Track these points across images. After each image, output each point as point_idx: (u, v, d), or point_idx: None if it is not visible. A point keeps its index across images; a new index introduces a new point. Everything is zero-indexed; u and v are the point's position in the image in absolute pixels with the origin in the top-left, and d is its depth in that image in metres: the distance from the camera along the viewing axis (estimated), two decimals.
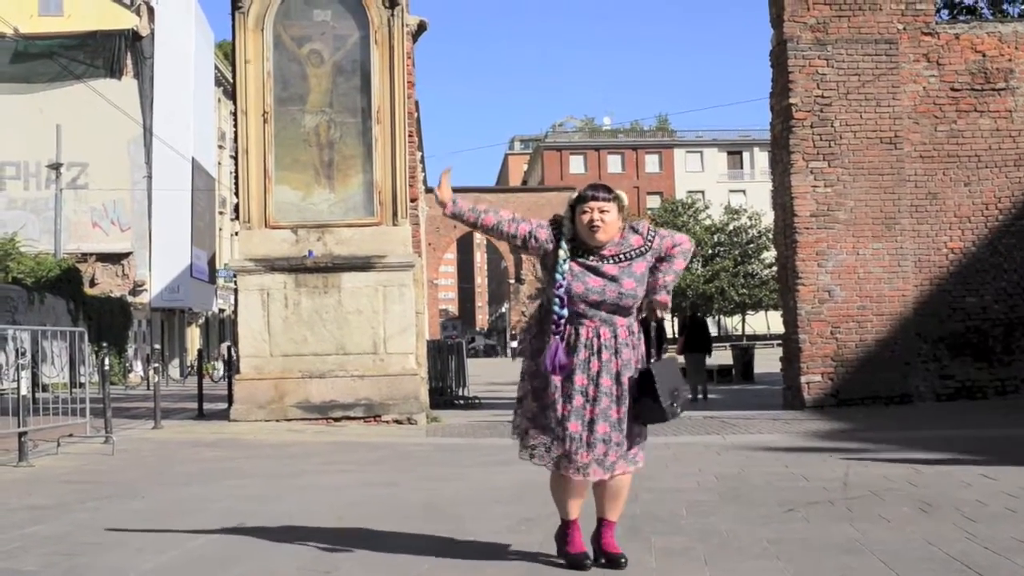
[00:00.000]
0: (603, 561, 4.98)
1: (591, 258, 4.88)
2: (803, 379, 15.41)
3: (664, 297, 4.91)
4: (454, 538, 5.84)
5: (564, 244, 4.89)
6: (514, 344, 74.76)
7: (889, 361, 15.42)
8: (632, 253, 4.91)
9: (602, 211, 4.87)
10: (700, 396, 19.16)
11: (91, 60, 41.15)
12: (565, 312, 4.82)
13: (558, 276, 4.83)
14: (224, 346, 40.67)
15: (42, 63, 40.68)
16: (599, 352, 4.81)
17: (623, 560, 4.96)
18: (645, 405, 4.80)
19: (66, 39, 40.93)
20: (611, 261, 4.88)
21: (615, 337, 4.85)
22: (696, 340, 20.62)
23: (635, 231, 4.98)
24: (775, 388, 17.98)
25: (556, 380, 4.81)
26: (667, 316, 5.01)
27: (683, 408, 4.91)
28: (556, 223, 4.98)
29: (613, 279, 4.85)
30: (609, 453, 4.78)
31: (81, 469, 9.80)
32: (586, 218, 4.87)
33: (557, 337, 4.80)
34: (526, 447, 4.97)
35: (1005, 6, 26.69)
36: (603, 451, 4.78)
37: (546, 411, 4.85)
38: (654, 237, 4.98)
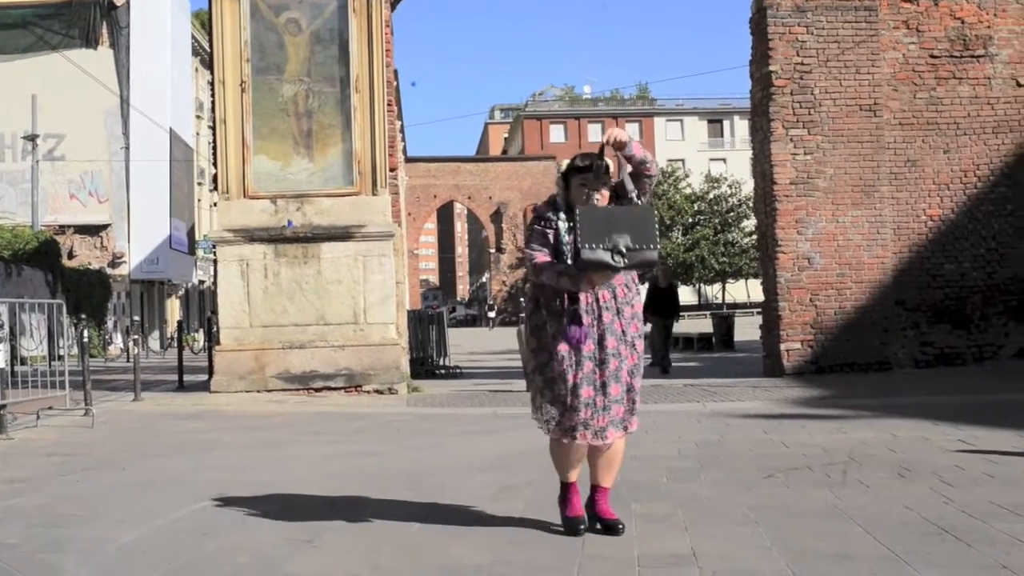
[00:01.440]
0: (599, 527, 5.02)
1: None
2: (783, 347, 15.47)
3: (633, 147, 4.89)
4: (436, 505, 5.86)
5: (562, 217, 4.89)
6: (492, 314, 74.86)
7: (868, 328, 15.50)
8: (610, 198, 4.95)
9: (601, 197, 4.94)
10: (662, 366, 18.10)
11: (66, 30, 40.71)
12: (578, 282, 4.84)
13: (565, 248, 4.85)
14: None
15: (17, 33, 40.23)
16: (600, 316, 4.84)
17: (621, 526, 5.00)
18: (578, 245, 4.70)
19: (41, 8, 40.48)
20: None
21: (615, 298, 4.88)
22: (663, 305, 19.37)
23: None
24: (755, 356, 18.05)
25: (562, 350, 4.81)
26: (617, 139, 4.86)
27: (632, 261, 4.67)
28: (543, 216, 4.98)
29: None
30: (619, 412, 4.85)
31: (61, 442, 9.77)
32: (584, 190, 4.89)
33: (574, 307, 4.83)
34: (541, 419, 4.96)
35: None
36: (618, 412, 4.84)
37: (555, 383, 4.86)
38: (622, 180, 4.98)
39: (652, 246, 4.66)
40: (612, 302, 4.87)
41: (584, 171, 4.91)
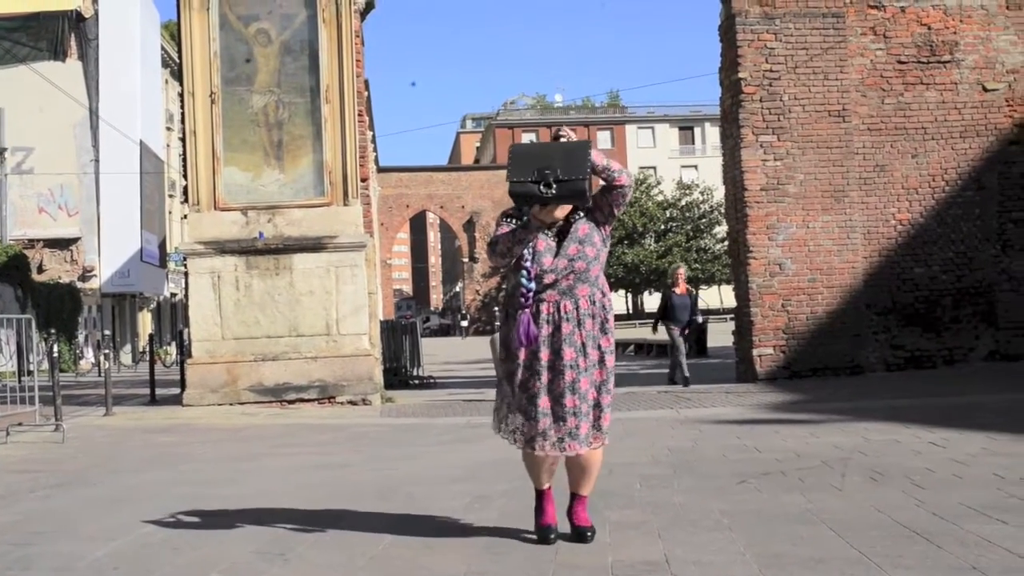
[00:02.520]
0: (571, 534, 5.02)
1: (547, 235, 4.87)
2: (755, 352, 15.54)
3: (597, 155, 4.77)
4: (410, 516, 5.84)
5: (526, 222, 4.84)
6: (465, 323, 74.81)
7: (840, 333, 15.59)
8: (571, 218, 4.89)
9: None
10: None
11: (34, 42, 40.41)
12: (533, 285, 4.81)
13: (525, 251, 4.82)
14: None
15: None
16: (560, 325, 4.80)
17: (588, 534, 4.98)
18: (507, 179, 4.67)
19: (7, 20, 40.18)
20: (555, 235, 4.88)
21: (576, 308, 4.83)
22: (678, 313, 16.85)
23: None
24: (728, 362, 18.11)
25: (522, 358, 4.79)
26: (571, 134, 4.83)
27: (561, 192, 4.60)
28: (512, 214, 4.94)
29: (559, 253, 4.84)
30: (581, 425, 4.76)
31: (31, 458, 9.68)
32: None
33: (526, 310, 4.79)
34: (506, 430, 4.94)
35: None
36: (574, 424, 4.75)
37: (516, 392, 4.84)
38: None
39: (582, 176, 4.60)
40: (574, 312, 4.82)
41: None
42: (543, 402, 4.76)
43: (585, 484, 5.06)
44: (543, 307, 4.82)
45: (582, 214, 4.90)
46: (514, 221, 4.88)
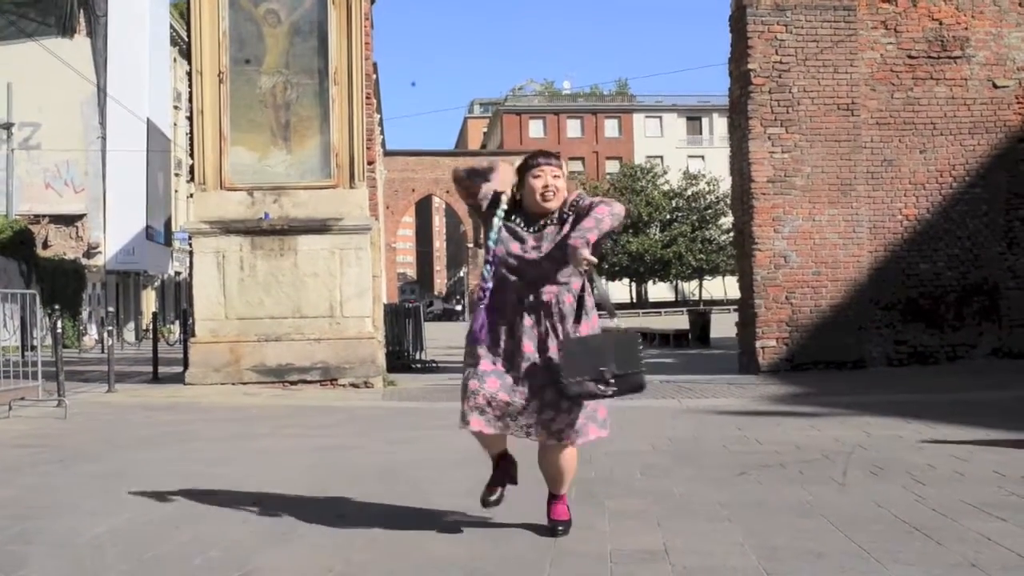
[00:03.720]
0: (545, 527, 4.97)
1: (520, 224, 4.79)
2: (758, 344, 15.53)
3: (576, 241, 4.52)
4: (411, 499, 5.85)
5: (500, 212, 4.79)
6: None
7: (843, 326, 15.58)
8: (553, 218, 4.79)
9: (555, 176, 4.79)
10: None
11: (43, 18, 40.36)
12: (490, 285, 4.75)
13: (490, 243, 4.77)
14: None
15: None
16: (521, 317, 4.72)
17: (560, 528, 4.90)
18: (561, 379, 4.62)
19: None
20: (534, 228, 4.78)
21: (540, 303, 4.74)
22: None
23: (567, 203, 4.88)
24: (731, 353, 18.11)
25: (482, 342, 4.73)
26: (586, 266, 4.71)
27: (620, 388, 4.62)
28: (497, 194, 4.88)
29: (534, 246, 4.74)
30: (524, 415, 4.67)
31: (33, 433, 9.71)
32: (539, 183, 4.75)
33: (482, 304, 4.75)
34: (474, 413, 4.79)
35: None
36: (528, 420, 4.68)
37: (473, 367, 4.77)
38: (579, 201, 4.79)
39: (637, 371, 4.64)
40: (536, 306, 4.73)
41: (536, 165, 4.81)
42: (490, 382, 4.68)
43: (560, 485, 4.95)
44: (508, 298, 4.75)
45: (562, 215, 4.79)
46: (493, 200, 4.86)
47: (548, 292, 4.74)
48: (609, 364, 4.59)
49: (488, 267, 4.77)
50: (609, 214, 4.65)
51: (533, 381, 4.68)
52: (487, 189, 4.89)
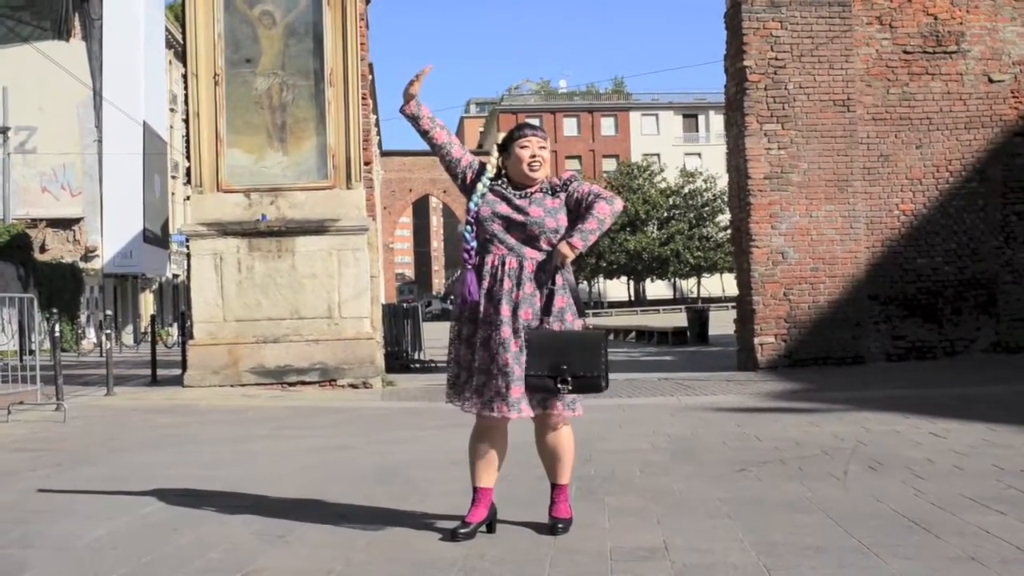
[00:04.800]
0: (546, 525, 4.92)
1: (507, 188, 4.82)
2: (756, 340, 15.54)
3: (576, 240, 4.64)
4: (410, 499, 5.84)
5: (485, 179, 4.83)
6: None
7: (841, 322, 15.59)
8: (545, 188, 4.83)
9: (541, 147, 4.83)
10: None
11: (38, 21, 40.35)
12: (474, 243, 4.77)
13: (471, 205, 4.79)
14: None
15: None
16: (501, 281, 4.70)
17: (560, 525, 4.88)
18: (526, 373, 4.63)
19: None
20: (523, 195, 4.80)
21: (521, 268, 4.71)
22: None
23: (555, 177, 4.93)
24: (729, 350, 18.11)
25: (482, 314, 4.69)
26: (567, 263, 4.75)
27: (576, 387, 4.62)
28: (480, 161, 4.94)
29: (519, 209, 4.75)
30: (511, 388, 4.61)
31: (32, 437, 9.70)
32: (526, 153, 4.78)
33: (470, 266, 4.75)
34: (463, 397, 4.83)
35: None
36: (504, 385, 4.61)
37: (458, 348, 4.78)
38: (571, 181, 4.86)
39: (597, 374, 4.61)
40: (516, 272, 4.70)
41: (523, 135, 4.83)
42: (480, 357, 4.67)
43: (560, 471, 4.93)
44: (488, 258, 4.75)
45: (552, 188, 4.84)
46: (474, 166, 4.89)
47: (529, 257, 4.75)
48: (570, 363, 4.59)
49: (469, 227, 4.78)
50: (611, 214, 4.73)
51: (509, 347, 4.64)
52: (465, 159, 4.93)
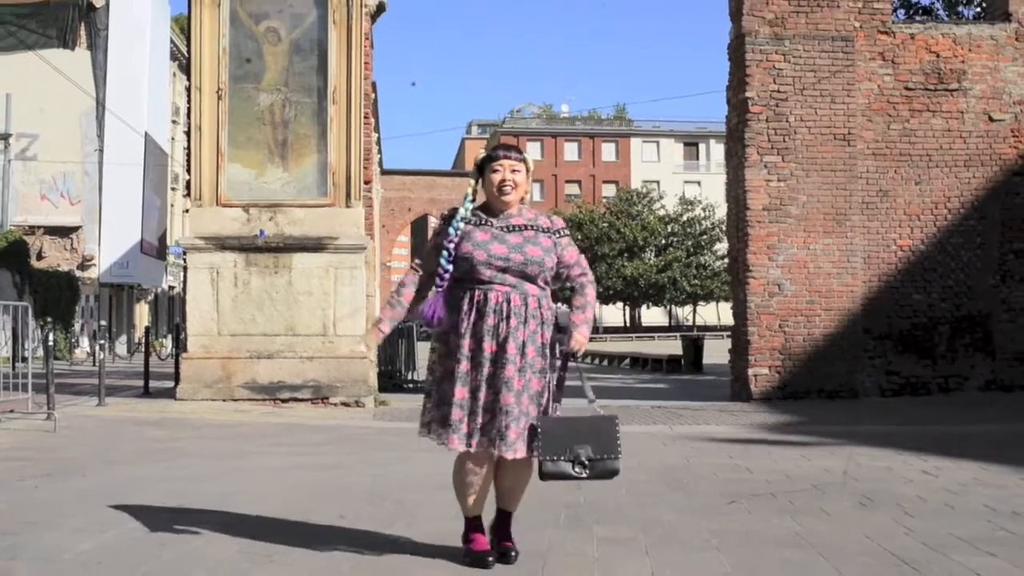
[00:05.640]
0: (495, 555, 4.82)
1: (495, 226, 4.75)
2: (751, 371, 15.53)
3: (584, 337, 4.74)
4: (399, 522, 5.81)
5: (461, 209, 4.76)
6: None
7: (836, 356, 15.58)
8: (538, 227, 4.79)
9: (514, 170, 4.77)
10: None
11: (43, 29, 40.34)
12: (450, 267, 4.68)
13: (451, 230, 4.71)
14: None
15: None
16: (508, 318, 4.62)
17: (513, 555, 4.82)
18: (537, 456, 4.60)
19: (18, 7, 40.13)
20: (516, 231, 4.75)
21: (525, 305, 4.66)
22: None
23: (548, 217, 4.90)
24: (723, 379, 18.10)
25: (465, 348, 4.62)
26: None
27: (594, 472, 4.59)
28: (451, 212, 4.85)
29: (517, 247, 4.69)
30: (511, 428, 4.55)
31: (21, 446, 9.67)
32: (497, 177, 4.74)
33: (440, 291, 4.67)
34: (424, 421, 4.79)
35: (960, 8, 27.04)
36: (504, 424, 4.55)
37: (452, 389, 4.64)
38: (564, 233, 4.86)
39: (614, 456, 4.60)
40: (522, 309, 4.66)
41: (495, 159, 4.78)
42: (483, 395, 4.59)
43: (516, 500, 4.90)
44: (491, 295, 4.65)
45: (547, 230, 4.82)
46: (442, 236, 4.78)
47: (532, 294, 4.71)
48: (586, 447, 4.56)
49: (446, 253, 4.69)
50: (594, 291, 4.93)
51: (512, 386, 4.58)
52: (444, 245, 4.77)
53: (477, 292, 4.67)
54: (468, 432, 4.60)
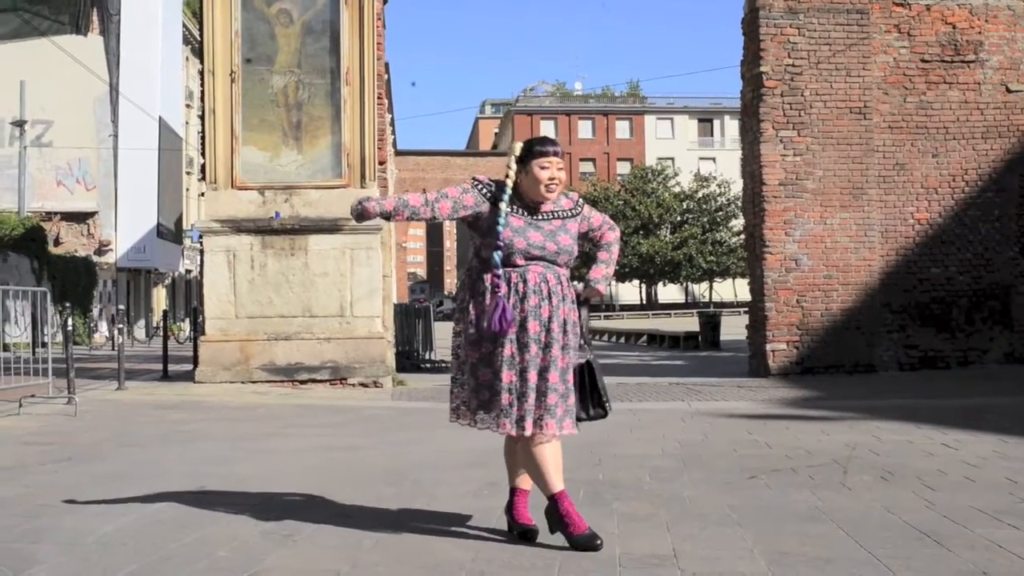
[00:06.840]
0: (516, 533, 4.87)
1: (527, 215, 4.77)
2: (768, 347, 15.49)
3: (603, 288, 5.04)
4: (418, 501, 5.83)
5: (505, 198, 4.74)
6: None
7: (854, 330, 15.53)
8: (565, 213, 4.84)
9: (560, 168, 4.80)
10: None
11: (56, 15, 40.50)
12: (502, 271, 4.68)
13: (499, 229, 4.68)
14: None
15: (4, 17, 40.01)
16: (549, 297, 4.69)
17: (537, 532, 4.84)
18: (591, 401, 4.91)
19: None
20: (546, 218, 4.78)
21: (560, 284, 4.75)
22: None
23: (565, 195, 4.92)
24: (741, 355, 18.06)
25: (512, 332, 4.63)
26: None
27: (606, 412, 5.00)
28: (485, 184, 4.82)
29: (551, 235, 4.74)
30: (559, 405, 4.62)
31: (42, 430, 9.72)
32: (546, 175, 4.73)
33: (501, 294, 4.65)
34: (464, 416, 4.84)
35: None
36: (554, 400, 4.60)
37: (499, 374, 4.64)
38: (583, 206, 4.96)
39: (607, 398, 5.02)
40: (559, 287, 4.73)
41: (544, 154, 4.76)
42: (531, 376, 4.61)
43: (527, 477, 4.90)
44: (530, 276, 4.68)
45: (572, 211, 4.89)
46: (484, 191, 4.78)
47: (562, 274, 4.81)
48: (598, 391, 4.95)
49: (498, 252, 4.69)
50: (616, 241, 5.11)
51: (558, 364, 4.66)
52: (468, 197, 4.77)
53: (514, 275, 4.70)
54: (520, 416, 4.63)
